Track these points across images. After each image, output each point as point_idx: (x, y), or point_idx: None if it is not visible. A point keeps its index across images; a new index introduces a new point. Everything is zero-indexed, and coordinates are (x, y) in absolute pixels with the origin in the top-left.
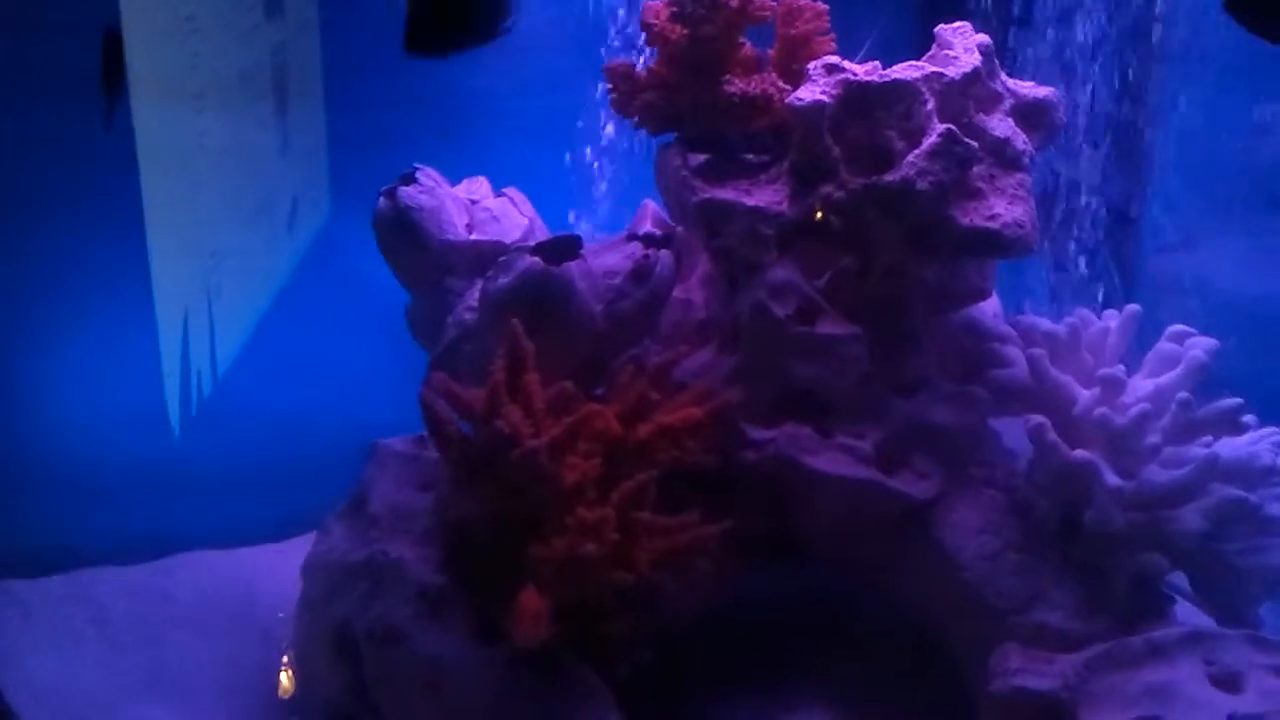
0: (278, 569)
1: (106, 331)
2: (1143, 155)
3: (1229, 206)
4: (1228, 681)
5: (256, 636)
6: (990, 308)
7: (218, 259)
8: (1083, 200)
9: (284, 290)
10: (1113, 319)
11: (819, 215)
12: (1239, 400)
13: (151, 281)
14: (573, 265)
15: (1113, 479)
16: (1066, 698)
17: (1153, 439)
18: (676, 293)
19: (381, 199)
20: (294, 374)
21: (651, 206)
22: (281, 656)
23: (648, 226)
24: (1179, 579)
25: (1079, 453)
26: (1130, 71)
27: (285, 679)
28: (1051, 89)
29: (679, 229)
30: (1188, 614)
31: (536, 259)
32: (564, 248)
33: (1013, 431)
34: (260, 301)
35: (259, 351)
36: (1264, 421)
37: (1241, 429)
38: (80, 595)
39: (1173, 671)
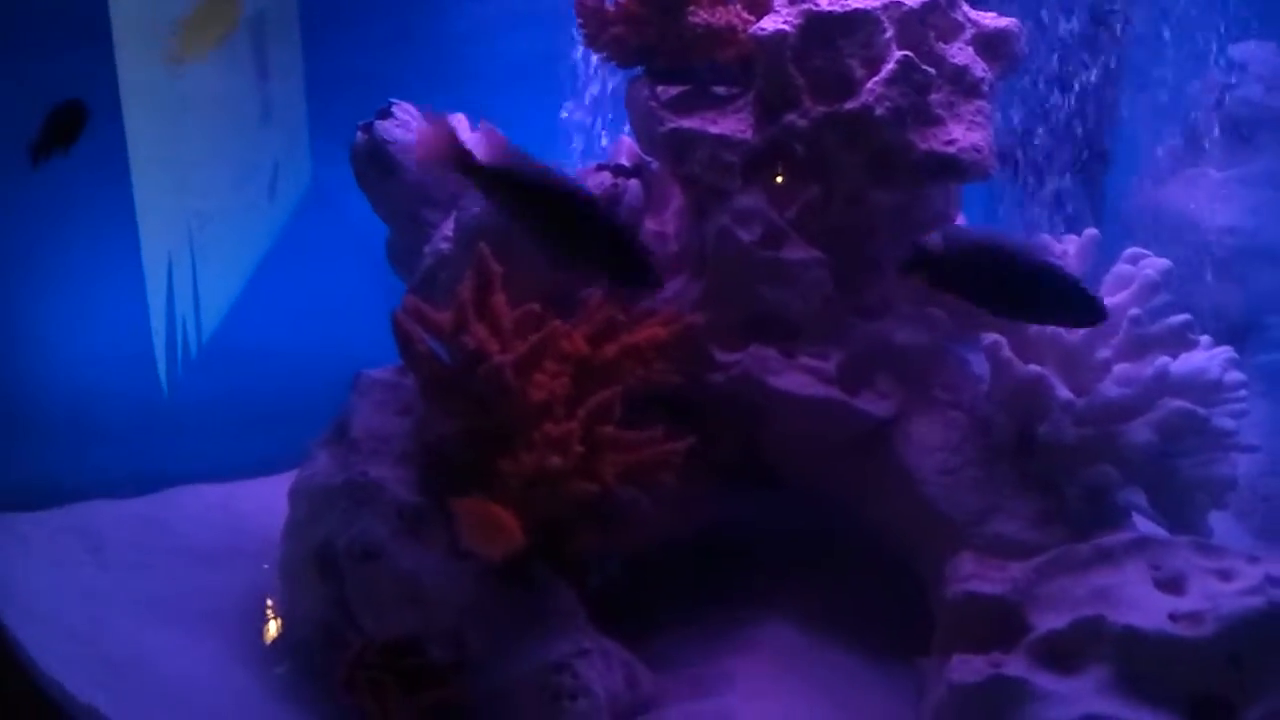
0: (269, 500)
1: (97, 282)
2: (1112, 91)
3: (1202, 141)
4: (1171, 584)
5: (247, 563)
6: None
7: (202, 219)
8: (1055, 135)
9: (269, 238)
10: (1072, 244)
11: (778, 177)
12: (1187, 316)
13: (139, 233)
14: None
15: (1064, 393)
16: (1016, 601)
17: (1103, 354)
18: (651, 225)
19: (358, 133)
20: (280, 320)
21: (627, 142)
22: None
23: (622, 161)
24: (1139, 497)
25: (1031, 367)
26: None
27: (272, 626)
28: (1013, 20)
29: (651, 162)
30: (1147, 530)
31: None
32: None
33: (983, 359)
34: (245, 250)
35: (245, 299)
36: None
37: (1191, 345)
38: (77, 526)
39: (1118, 575)
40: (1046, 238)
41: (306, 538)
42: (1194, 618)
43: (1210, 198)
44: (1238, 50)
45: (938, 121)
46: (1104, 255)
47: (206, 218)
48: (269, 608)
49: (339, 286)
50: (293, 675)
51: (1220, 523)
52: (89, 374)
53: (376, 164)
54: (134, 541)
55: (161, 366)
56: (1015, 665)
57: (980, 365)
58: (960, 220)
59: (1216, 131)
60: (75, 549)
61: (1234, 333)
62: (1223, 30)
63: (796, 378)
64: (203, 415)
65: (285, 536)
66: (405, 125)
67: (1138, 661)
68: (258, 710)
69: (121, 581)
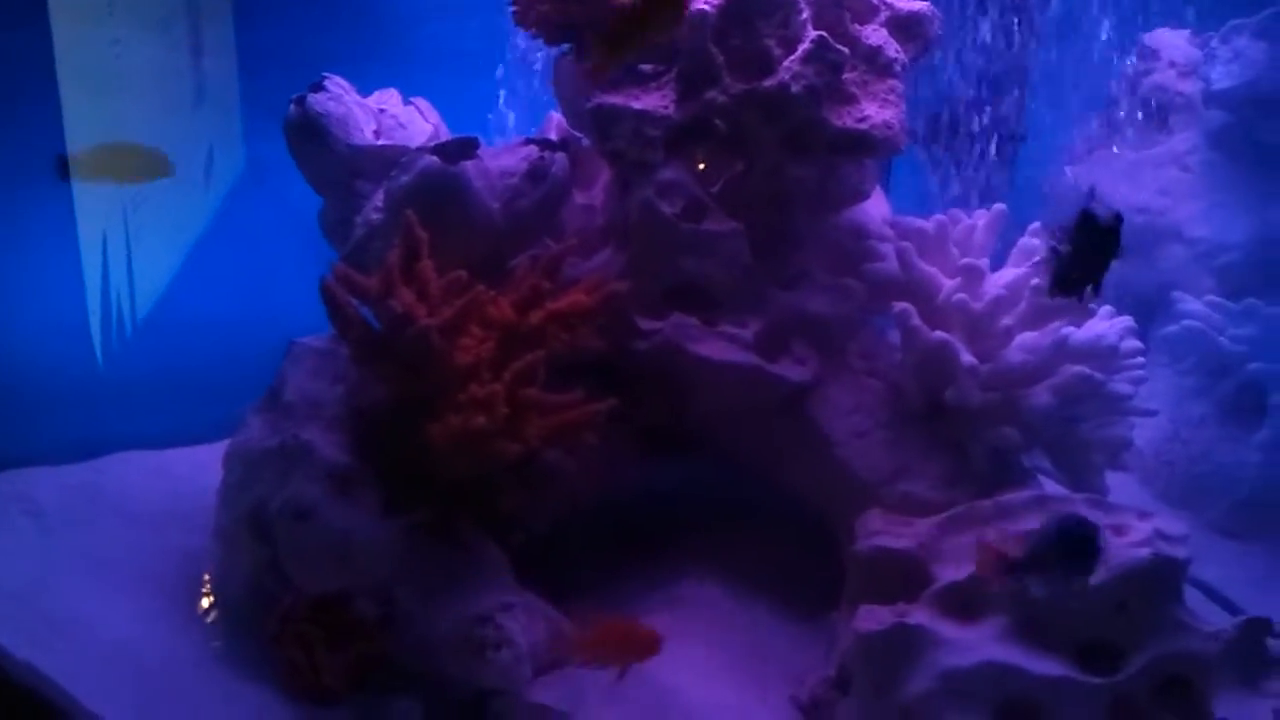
0: (205, 466)
1: (33, 256)
2: (1026, 76)
3: (1118, 124)
4: None
5: (181, 526)
6: (878, 213)
7: (138, 195)
8: (973, 119)
9: (205, 213)
10: (981, 218)
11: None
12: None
13: (74, 207)
14: (469, 164)
15: (969, 358)
16: (921, 556)
17: (1006, 321)
18: (581, 199)
19: (291, 105)
20: (216, 293)
21: (556, 117)
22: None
23: (551, 135)
24: (1041, 458)
25: (938, 334)
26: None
27: (206, 602)
28: (927, 3)
29: (580, 137)
30: (1049, 488)
31: (434, 158)
32: (461, 148)
33: None
34: (181, 224)
35: (181, 273)
36: (1138, 322)
37: (1090, 315)
38: (15, 492)
39: (1018, 530)
40: (955, 211)
41: (240, 500)
42: None
43: (1121, 177)
44: (1151, 38)
45: (851, 99)
46: (1015, 230)
47: (142, 193)
48: (206, 578)
49: (274, 259)
50: (228, 636)
51: (1125, 486)
52: (25, 346)
53: (309, 136)
54: (72, 506)
55: (97, 339)
56: (919, 615)
57: (897, 335)
58: (879, 194)
59: (1129, 114)
60: (14, 514)
61: (1142, 306)
62: (1138, 17)
63: (716, 344)
64: (139, 385)
65: (220, 499)
66: (337, 98)
67: (1033, 610)
68: (193, 668)
69: (60, 544)
